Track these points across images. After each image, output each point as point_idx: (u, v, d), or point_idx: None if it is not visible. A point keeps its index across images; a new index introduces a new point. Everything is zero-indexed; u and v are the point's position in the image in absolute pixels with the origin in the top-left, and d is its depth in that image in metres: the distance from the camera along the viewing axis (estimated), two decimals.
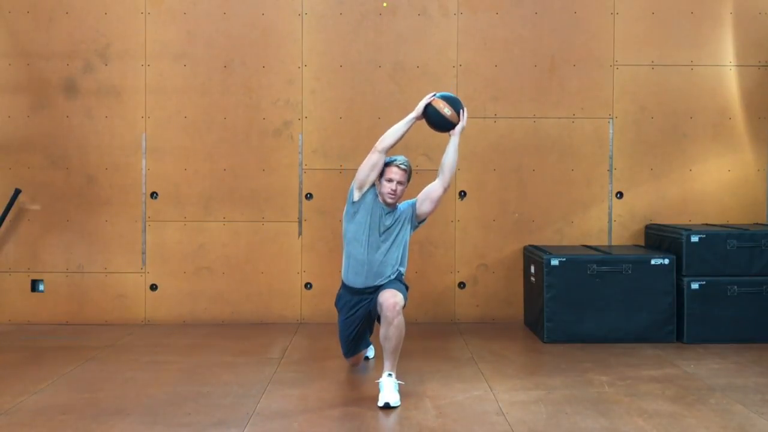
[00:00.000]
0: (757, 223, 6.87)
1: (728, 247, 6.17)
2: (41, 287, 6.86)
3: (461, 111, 5.00)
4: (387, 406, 4.53)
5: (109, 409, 4.51)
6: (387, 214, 4.97)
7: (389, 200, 4.93)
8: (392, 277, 4.97)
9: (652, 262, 6.17)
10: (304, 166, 6.87)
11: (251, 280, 6.88)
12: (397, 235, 4.99)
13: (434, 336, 6.40)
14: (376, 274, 4.95)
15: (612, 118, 6.91)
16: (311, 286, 6.89)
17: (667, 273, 6.16)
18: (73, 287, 6.84)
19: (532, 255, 6.51)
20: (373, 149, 4.92)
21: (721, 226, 6.65)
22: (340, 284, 5.24)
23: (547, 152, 6.90)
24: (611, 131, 6.92)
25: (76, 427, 4.20)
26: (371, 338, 5.67)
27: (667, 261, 6.16)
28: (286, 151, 6.87)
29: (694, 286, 6.12)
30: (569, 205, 6.93)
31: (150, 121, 6.84)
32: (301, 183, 6.87)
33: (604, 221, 6.94)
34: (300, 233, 6.88)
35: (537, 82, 6.89)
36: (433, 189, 5.02)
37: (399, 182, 4.92)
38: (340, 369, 5.40)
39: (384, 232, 4.96)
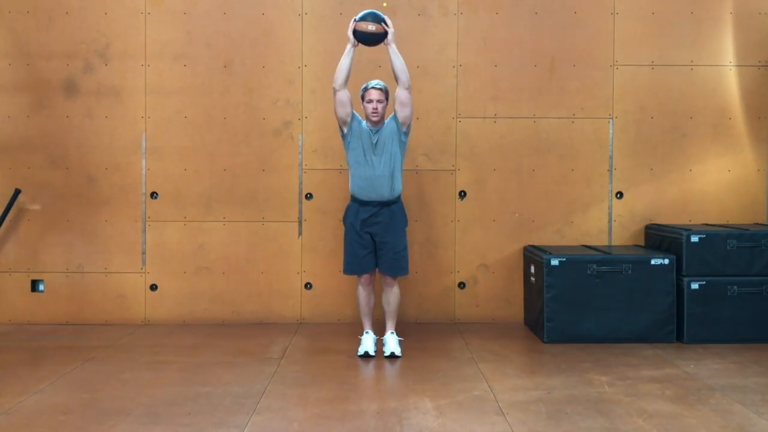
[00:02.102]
0: (757, 223, 6.87)
1: (728, 247, 6.17)
2: (41, 287, 6.86)
3: (384, 21, 5.58)
4: (393, 356, 5.45)
5: (109, 409, 4.51)
6: (374, 133, 5.66)
7: (374, 119, 5.64)
8: (392, 190, 5.65)
9: (652, 262, 6.17)
10: (304, 166, 6.87)
11: (251, 280, 6.88)
12: (386, 146, 5.64)
13: (434, 336, 6.40)
14: (378, 186, 5.64)
15: (612, 118, 6.91)
16: (311, 286, 6.89)
17: (667, 273, 6.16)
18: (73, 287, 6.84)
19: (532, 255, 6.51)
20: (333, 91, 5.65)
21: (721, 226, 6.65)
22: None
23: (547, 152, 6.90)
24: (611, 131, 6.91)
25: (76, 427, 4.21)
26: (373, 340, 5.70)
27: (667, 261, 6.16)
28: (286, 151, 6.87)
29: (694, 286, 6.12)
30: (569, 205, 6.92)
31: (150, 121, 6.84)
32: (301, 183, 6.87)
33: (604, 221, 6.94)
34: (300, 233, 6.88)
35: (537, 82, 6.89)
36: (399, 95, 5.63)
37: (378, 100, 5.63)
38: (340, 369, 5.40)
39: (376, 148, 5.64)
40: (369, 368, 5.43)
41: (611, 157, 6.92)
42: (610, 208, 6.93)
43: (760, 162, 6.95)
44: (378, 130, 5.67)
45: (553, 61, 6.89)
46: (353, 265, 5.80)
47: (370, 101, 5.64)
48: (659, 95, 6.91)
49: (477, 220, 6.91)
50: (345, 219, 5.85)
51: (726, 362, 5.56)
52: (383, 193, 5.67)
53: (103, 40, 6.82)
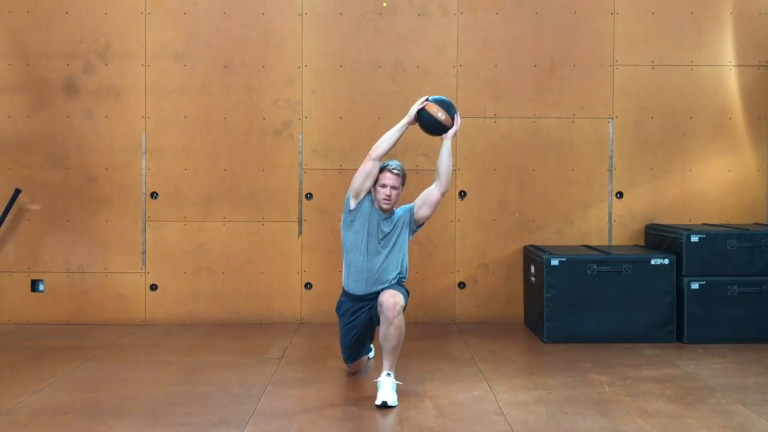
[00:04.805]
0: (757, 223, 6.87)
1: (728, 247, 6.17)
2: (41, 287, 6.86)
3: (455, 115, 4.99)
4: (384, 405, 4.52)
5: (109, 409, 4.51)
6: (384, 220, 4.96)
7: (385, 206, 4.93)
8: (393, 282, 4.97)
9: (652, 262, 6.17)
10: (304, 166, 6.87)
11: (251, 280, 6.88)
12: (395, 241, 4.98)
13: (434, 336, 6.40)
14: (376, 281, 4.94)
15: (612, 118, 6.91)
16: (311, 286, 6.89)
17: (667, 273, 6.16)
18: (73, 287, 6.84)
19: (532, 255, 6.51)
20: (367, 157, 4.91)
21: (721, 226, 6.65)
22: (340, 285, 5.25)
23: (547, 152, 6.90)
24: (611, 131, 6.92)
25: (76, 427, 4.21)
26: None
27: (667, 261, 6.16)
28: (286, 151, 6.87)
29: (694, 286, 6.12)
30: (569, 205, 6.92)
31: (150, 121, 6.84)
32: (301, 183, 6.87)
33: (604, 221, 6.94)
34: (300, 233, 6.88)
35: (537, 82, 6.89)
36: (431, 194, 5.01)
37: (393, 187, 4.90)
38: (340, 369, 5.39)
39: (383, 238, 4.95)
40: (369, 368, 5.42)
41: (611, 157, 6.92)
42: (610, 208, 6.94)
43: (760, 162, 6.95)
44: (389, 218, 4.96)
45: (553, 61, 6.89)
46: (351, 353, 5.13)
47: (384, 186, 4.88)
48: (659, 95, 6.91)
49: (477, 220, 6.91)
50: (338, 311, 5.16)
51: (726, 362, 5.56)
52: (383, 286, 4.90)
53: (103, 40, 6.82)
